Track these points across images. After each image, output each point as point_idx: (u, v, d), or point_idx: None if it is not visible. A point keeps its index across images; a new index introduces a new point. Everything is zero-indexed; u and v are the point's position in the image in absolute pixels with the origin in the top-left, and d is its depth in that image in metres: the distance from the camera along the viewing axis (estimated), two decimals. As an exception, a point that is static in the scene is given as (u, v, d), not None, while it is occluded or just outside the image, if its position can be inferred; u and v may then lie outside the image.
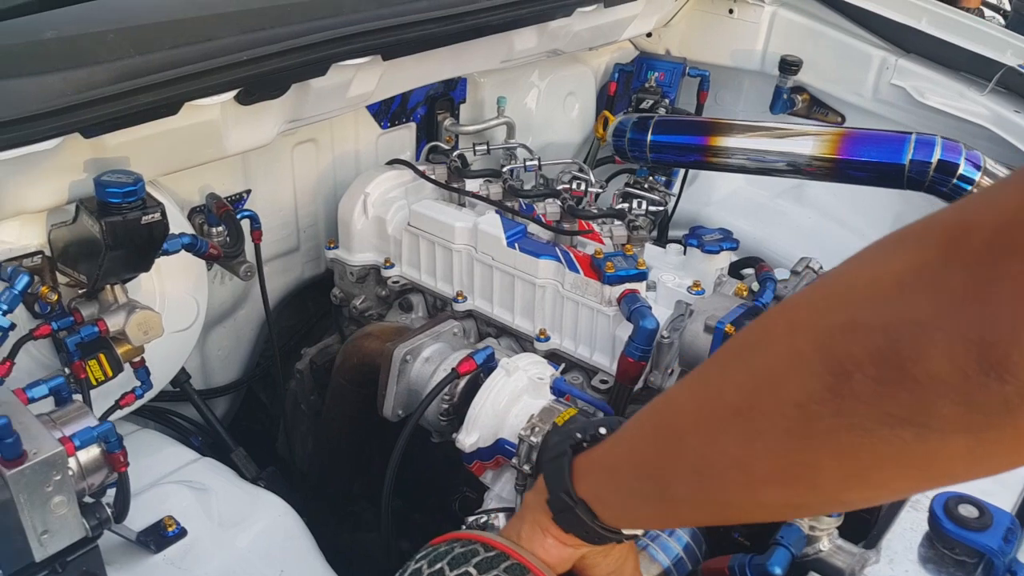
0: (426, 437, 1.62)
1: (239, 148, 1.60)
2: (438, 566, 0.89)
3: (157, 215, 1.33)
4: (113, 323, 1.41)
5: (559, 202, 1.82)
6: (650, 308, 1.55)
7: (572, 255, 1.68)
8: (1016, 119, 2.23)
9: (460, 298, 1.84)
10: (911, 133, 1.72)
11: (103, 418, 1.44)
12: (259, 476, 1.78)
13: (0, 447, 0.99)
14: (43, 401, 1.20)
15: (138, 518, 1.32)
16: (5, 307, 1.32)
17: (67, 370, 1.45)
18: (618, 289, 1.60)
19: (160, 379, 1.64)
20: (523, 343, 1.79)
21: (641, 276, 1.60)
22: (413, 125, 2.29)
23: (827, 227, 2.51)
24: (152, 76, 1.28)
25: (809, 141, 1.78)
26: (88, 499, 1.12)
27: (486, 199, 1.89)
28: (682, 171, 2.51)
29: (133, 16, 1.38)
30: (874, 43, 2.49)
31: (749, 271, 1.81)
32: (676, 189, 2.45)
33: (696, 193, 2.67)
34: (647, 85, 2.62)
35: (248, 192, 1.94)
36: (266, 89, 1.49)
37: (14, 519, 1.03)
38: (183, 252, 1.55)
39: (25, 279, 1.35)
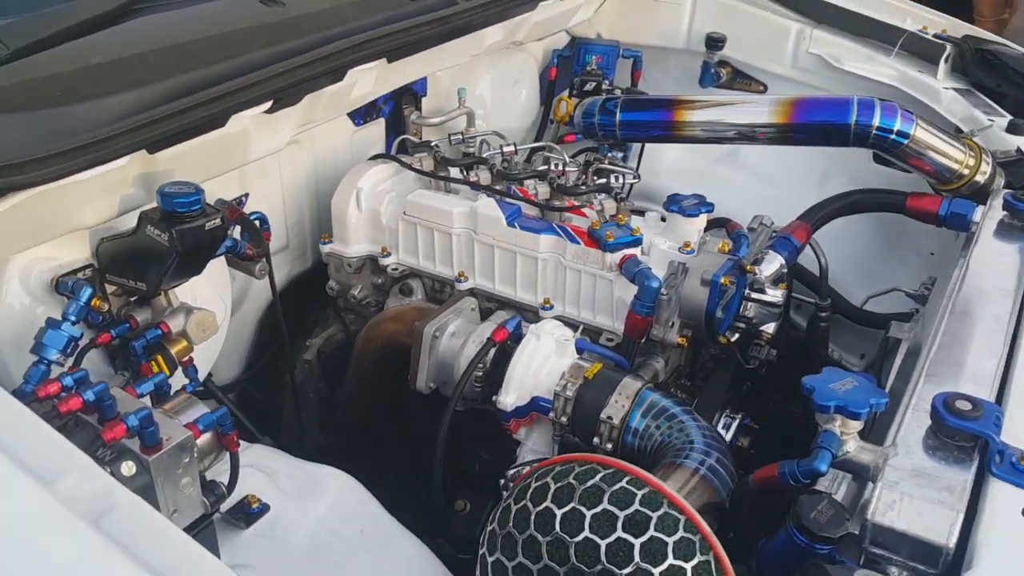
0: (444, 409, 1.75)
1: (260, 154, 1.71)
2: (566, 480, 1.05)
3: (218, 220, 1.43)
4: (174, 324, 1.51)
5: (547, 182, 1.99)
6: (651, 269, 1.74)
7: (569, 229, 1.86)
8: (922, 78, 2.52)
9: (462, 278, 1.99)
10: (852, 97, 1.96)
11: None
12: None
13: (143, 435, 1.10)
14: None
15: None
16: (74, 318, 1.40)
17: (126, 373, 1.54)
18: (617, 256, 1.78)
19: (201, 375, 1.73)
20: (525, 314, 1.95)
21: (637, 242, 1.79)
22: (383, 121, 2.41)
23: (762, 188, 2.76)
24: (203, 92, 1.38)
25: (765, 109, 2.00)
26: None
27: (476, 184, 2.04)
28: (636, 147, 2.71)
29: (165, 36, 1.48)
30: (790, 16, 2.74)
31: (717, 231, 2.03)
32: (633, 164, 2.65)
33: (643, 166, 2.88)
34: (589, 68, 2.81)
35: (247, 196, 2.03)
36: (291, 98, 1.60)
37: (153, 502, 1.14)
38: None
39: (89, 290, 1.43)
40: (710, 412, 1.84)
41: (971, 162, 2.00)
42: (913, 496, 1.12)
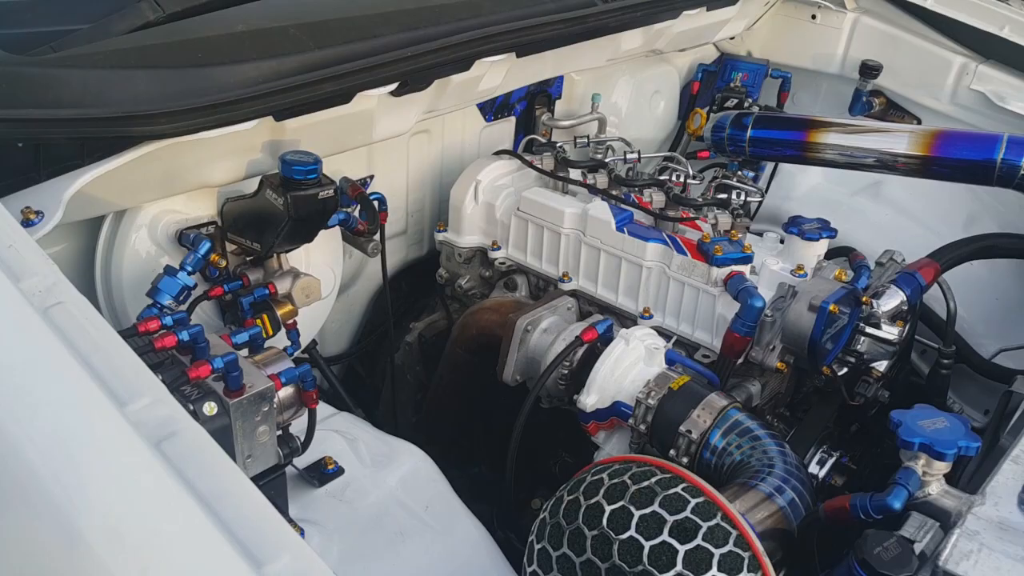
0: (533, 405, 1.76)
1: (383, 135, 1.78)
2: (621, 479, 1.04)
3: (331, 191, 1.50)
4: (281, 286, 1.58)
5: (663, 191, 1.97)
6: (756, 288, 1.69)
7: (679, 239, 1.83)
8: (1094, 124, 2.33)
9: (565, 279, 2.00)
10: (1003, 133, 1.84)
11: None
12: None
13: (228, 379, 1.17)
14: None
15: (299, 459, 1.49)
16: (190, 268, 1.50)
17: (233, 328, 1.62)
18: (724, 271, 1.74)
19: (304, 341, 1.81)
20: (624, 321, 1.93)
21: (747, 259, 1.74)
22: (513, 119, 2.44)
23: (903, 224, 2.63)
24: (331, 68, 1.45)
25: (904, 138, 1.91)
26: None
27: (592, 187, 2.04)
28: (769, 167, 2.63)
29: (308, 12, 1.56)
30: (954, 49, 2.60)
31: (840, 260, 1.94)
32: (763, 184, 2.58)
33: (777, 189, 2.80)
34: (732, 85, 2.75)
35: (371, 177, 2.11)
36: (417, 83, 1.65)
37: (229, 443, 1.20)
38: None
39: (207, 244, 1.53)
40: (806, 444, 1.77)
41: None
42: (993, 549, 1.04)
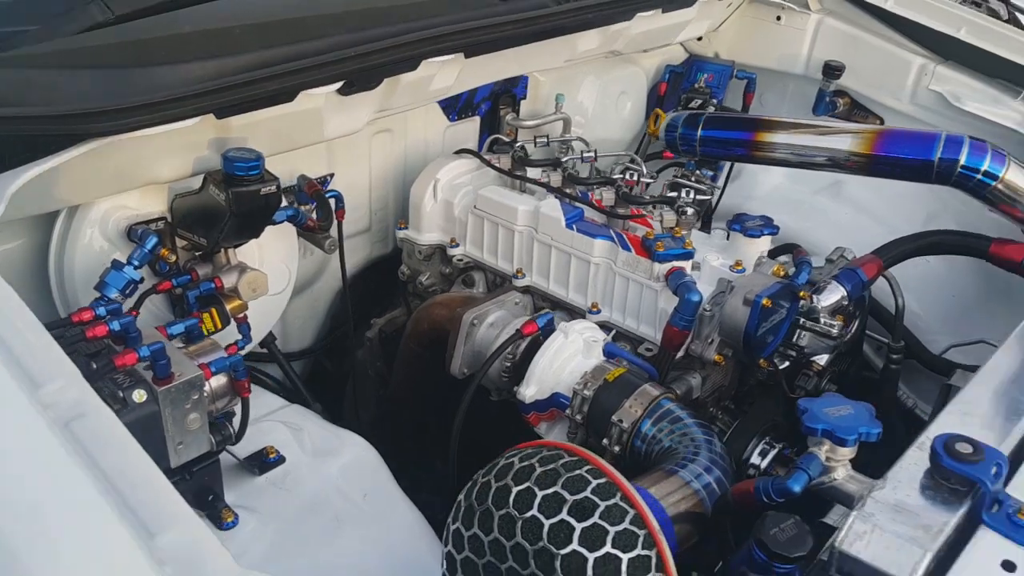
0: (483, 398, 1.80)
1: (335, 134, 1.82)
2: (529, 461, 1.08)
3: (273, 187, 1.54)
4: (227, 281, 1.62)
5: (614, 189, 2.01)
6: (695, 283, 1.73)
7: (625, 236, 1.87)
8: (1049, 124, 2.37)
9: (519, 275, 2.04)
10: (940, 132, 1.88)
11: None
12: (332, 431, 1.97)
13: (156, 367, 1.21)
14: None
15: (242, 448, 1.54)
16: (136, 262, 1.54)
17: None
18: (666, 267, 1.78)
19: (256, 336, 1.85)
20: (575, 316, 1.97)
21: (687, 255, 1.78)
22: (477, 119, 2.48)
23: (863, 223, 2.66)
24: (274, 67, 1.49)
25: (847, 138, 1.94)
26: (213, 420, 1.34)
27: (547, 185, 2.09)
28: (727, 166, 2.67)
29: (255, 14, 1.60)
30: (914, 50, 2.63)
31: (786, 257, 1.99)
32: (721, 183, 2.62)
33: (740, 188, 2.84)
34: (697, 86, 2.79)
35: (332, 175, 2.15)
36: (364, 82, 1.69)
37: (158, 429, 1.24)
38: (279, 225, 1.76)
39: (154, 239, 1.57)
40: (748, 436, 1.80)
41: (1070, 213, 1.88)
42: (885, 530, 1.08)
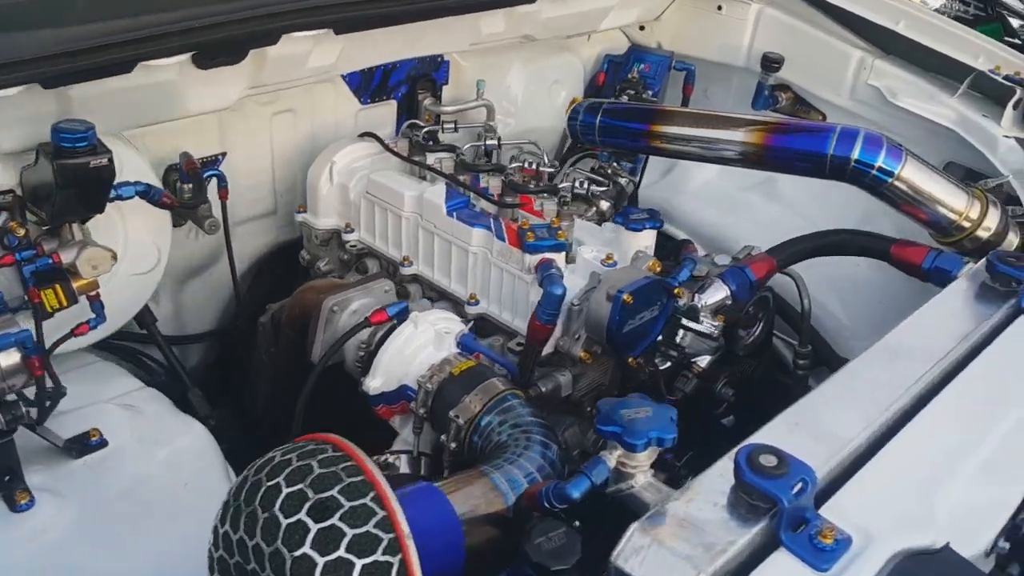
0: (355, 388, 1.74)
1: (202, 109, 1.75)
2: (289, 455, 1.02)
3: (104, 160, 1.48)
4: (66, 257, 1.56)
5: (501, 177, 1.94)
6: (561, 276, 1.65)
7: (503, 225, 1.80)
8: (983, 123, 2.26)
9: (406, 263, 1.97)
10: (836, 125, 1.79)
11: (58, 343, 1.61)
12: (210, 415, 1.92)
13: (-74, 344, 1.15)
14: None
15: (72, 429, 1.48)
16: (-22, 235, 1.49)
17: (24, 296, 1.61)
18: (537, 258, 1.71)
19: (118, 316, 1.79)
20: (457, 307, 1.90)
21: (559, 247, 1.71)
22: (394, 103, 2.41)
23: (792, 221, 2.55)
24: (108, 37, 1.42)
25: (742, 130, 1.86)
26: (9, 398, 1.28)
27: (439, 171, 2.01)
28: (644, 158, 2.59)
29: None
30: (854, 43, 2.54)
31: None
32: (639, 176, 2.54)
33: (671, 182, 2.76)
34: (630, 77, 2.71)
35: (223, 155, 2.08)
36: (222, 54, 1.63)
37: (-61, 410, 1.19)
38: (147, 203, 1.71)
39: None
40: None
41: (973, 215, 1.78)
42: (663, 545, 1.00)
